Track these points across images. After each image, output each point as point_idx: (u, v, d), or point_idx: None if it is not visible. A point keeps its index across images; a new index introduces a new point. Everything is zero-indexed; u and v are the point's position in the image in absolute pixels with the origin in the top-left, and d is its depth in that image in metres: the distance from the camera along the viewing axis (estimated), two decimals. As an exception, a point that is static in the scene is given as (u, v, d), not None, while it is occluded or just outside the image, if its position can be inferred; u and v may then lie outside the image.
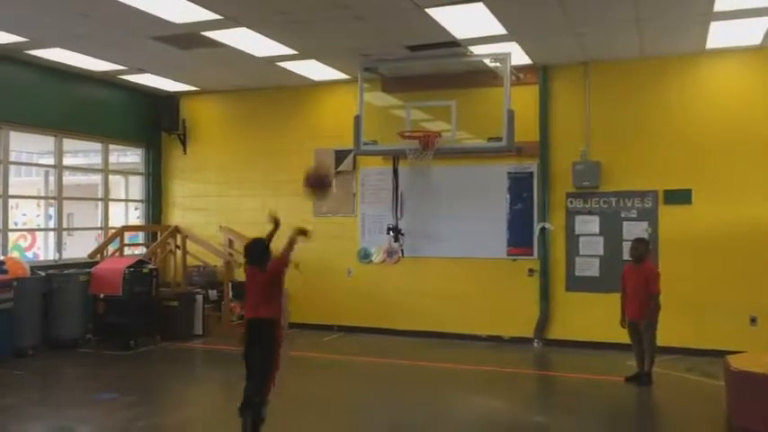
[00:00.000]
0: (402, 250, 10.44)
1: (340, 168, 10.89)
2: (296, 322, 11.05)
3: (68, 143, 10.82)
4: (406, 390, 7.61)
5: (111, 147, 11.64)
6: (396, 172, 10.37)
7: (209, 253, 11.07)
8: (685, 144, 9.18)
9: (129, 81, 10.91)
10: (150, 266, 10.03)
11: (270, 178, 11.40)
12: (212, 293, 10.85)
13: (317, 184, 5.91)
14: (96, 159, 11.87)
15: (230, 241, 11.52)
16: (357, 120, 9.38)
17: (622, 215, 9.46)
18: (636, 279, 7.58)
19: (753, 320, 8.82)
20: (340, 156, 10.85)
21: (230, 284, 10.82)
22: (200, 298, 10.53)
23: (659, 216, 9.29)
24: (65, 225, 10.93)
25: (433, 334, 10.19)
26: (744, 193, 8.92)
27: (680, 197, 9.18)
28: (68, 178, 11.45)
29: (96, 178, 12.06)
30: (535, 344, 9.73)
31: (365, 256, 10.76)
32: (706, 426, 6.20)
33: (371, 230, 10.74)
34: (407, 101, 9.61)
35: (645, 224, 9.32)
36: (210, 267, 11.27)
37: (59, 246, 10.54)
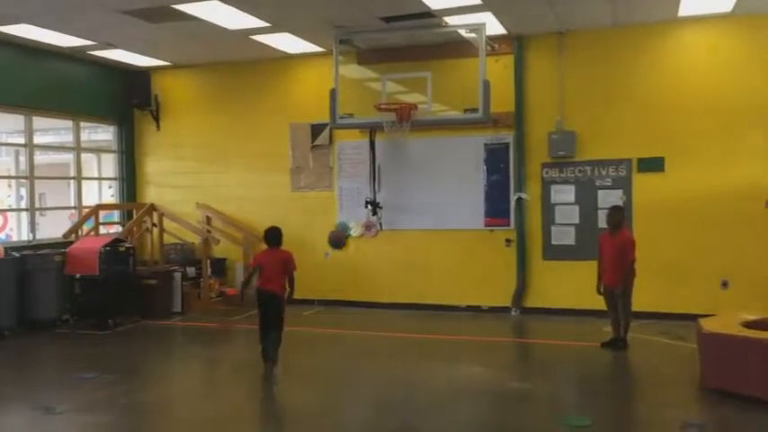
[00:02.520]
0: (380, 223, 10.47)
1: (316, 142, 10.84)
2: (276, 297, 11.06)
3: (38, 121, 10.60)
4: (387, 361, 7.70)
5: (83, 124, 11.44)
6: (372, 145, 10.35)
7: (187, 230, 11.01)
8: (658, 113, 9.28)
9: (98, 57, 10.69)
10: (127, 245, 9.95)
11: (246, 153, 11.31)
12: (191, 271, 10.82)
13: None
14: (67, 137, 11.66)
15: (208, 218, 11.47)
16: (333, 93, 9.32)
17: (597, 184, 9.57)
18: (612, 247, 7.69)
19: (724, 284, 9.02)
20: (316, 129, 10.79)
21: (209, 262, 10.80)
22: (178, 276, 10.48)
23: (633, 184, 9.42)
24: (37, 205, 10.77)
25: (413, 306, 10.28)
26: (714, 161, 9.06)
27: (653, 165, 9.30)
28: (39, 157, 11.25)
29: (68, 157, 11.86)
30: (513, 312, 9.87)
31: (344, 230, 10.77)
32: (679, 387, 6.36)
33: (349, 204, 10.73)
34: (383, 73, 9.56)
35: (619, 192, 9.44)
36: (188, 245, 11.21)
37: (33, 226, 10.39)
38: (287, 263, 7.03)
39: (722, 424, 5.40)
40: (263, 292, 6.96)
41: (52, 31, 9.17)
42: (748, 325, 6.21)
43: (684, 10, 8.66)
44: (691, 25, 9.14)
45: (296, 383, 6.81)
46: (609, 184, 9.51)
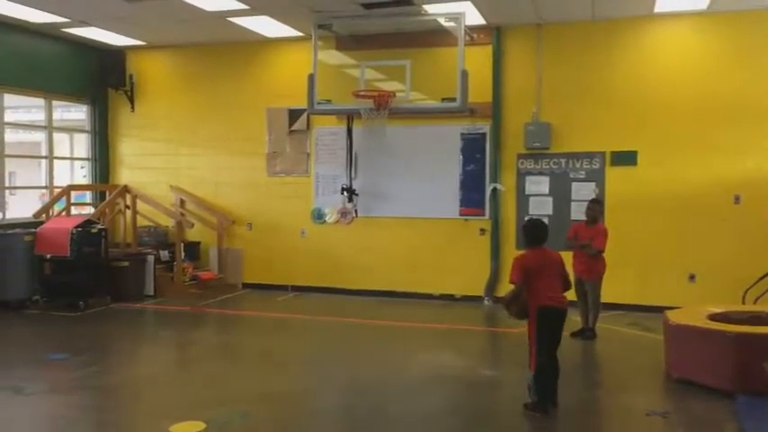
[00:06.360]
0: (356, 210, 10.48)
1: (294, 128, 10.80)
2: (249, 282, 11.05)
3: (9, 98, 10.39)
4: (360, 348, 7.74)
5: (55, 103, 11.24)
6: (350, 132, 10.33)
7: (160, 213, 10.91)
8: (632, 107, 9.40)
9: (72, 34, 10.49)
10: (99, 226, 9.84)
11: (221, 137, 11.22)
12: (164, 254, 10.74)
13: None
14: (39, 116, 11.46)
15: (182, 201, 11.37)
16: (311, 78, 9.26)
17: (571, 176, 9.68)
18: (585, 238, 7.79)
19: (691, 278, 9.21)
20: (294, 115, 10.74)
21: (182, 245, 10.72)
22: (151, 258, 10.40)
23: (606, 177, 9.54)
24: (7, 184, 10.58)
25: (387, 293, 10.33)
26: (686, 156, 9.22)
27: (626, 158, 9.43)
28: (10, 135, 11.05)
29: (39, 135, 11.66)
30: (486, 302, 9.97)
31: (319, 216, 10.76)
32: (646, 376, 6.50)
33: (325, 190, 10.72)
34: (362, 60, 9.51)
35: (593, 185, 9.56)
36: (162, 228, 11.11)
37: (2, 205, 10.21)
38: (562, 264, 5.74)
39: (685, 412, 5.54)
40: (558, 310, 5.66)
41: (25, 7, 8.98)
42: (713, 317, 6.36)
43: (660, 6, 8.76)
44: (667, 21, 9.25)
45: (268, 368, 6.83)
46: (582, 176, 9.63)
